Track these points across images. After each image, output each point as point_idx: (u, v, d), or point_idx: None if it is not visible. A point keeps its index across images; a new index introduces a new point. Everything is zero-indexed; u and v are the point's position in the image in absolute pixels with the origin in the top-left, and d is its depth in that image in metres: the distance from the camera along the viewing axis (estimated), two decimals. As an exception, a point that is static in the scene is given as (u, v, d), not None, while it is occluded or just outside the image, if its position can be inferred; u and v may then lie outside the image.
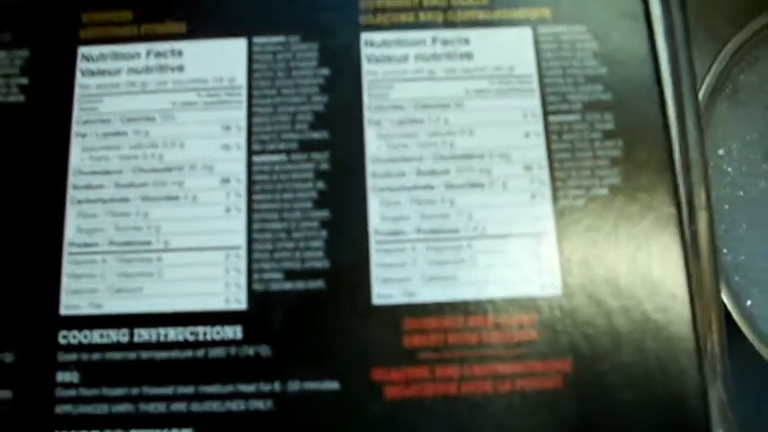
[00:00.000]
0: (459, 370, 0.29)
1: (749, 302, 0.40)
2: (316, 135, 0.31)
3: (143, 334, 0.30)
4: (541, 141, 0.31)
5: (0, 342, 0.30)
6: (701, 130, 0.33)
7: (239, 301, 0.30)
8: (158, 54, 0.32)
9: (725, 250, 0.42)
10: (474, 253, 0.30)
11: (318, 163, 0.31)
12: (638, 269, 0.30)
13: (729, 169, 0.44)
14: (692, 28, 0.38)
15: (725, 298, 0.37)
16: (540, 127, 0.31)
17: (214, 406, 0.29)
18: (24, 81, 0.33)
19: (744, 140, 0.44)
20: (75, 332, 0.30)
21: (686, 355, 0.29)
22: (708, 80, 0.41)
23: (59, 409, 0.29)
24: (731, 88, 0.45)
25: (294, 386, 0.29)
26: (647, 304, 0.30)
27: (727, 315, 0.37)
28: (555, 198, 0.30)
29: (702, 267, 0.31)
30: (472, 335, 0.29)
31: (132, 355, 0.29)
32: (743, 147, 0.44)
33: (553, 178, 0.31)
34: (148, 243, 0.30)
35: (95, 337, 0.30)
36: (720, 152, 0.44)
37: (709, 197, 0.32)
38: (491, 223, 0.30)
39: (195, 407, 0.29)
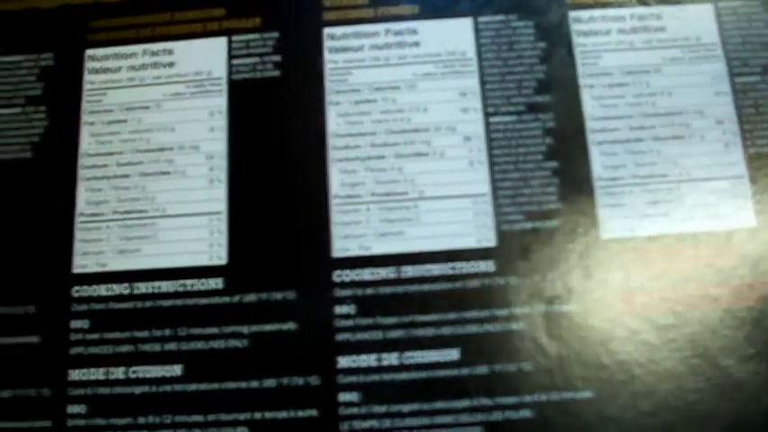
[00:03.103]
0: (678, 291, 0.38)
1: None
2: (540, 98, 0.40)
3: (409, 270, 0.38)
4: (729, 99, 0.40)
5: (281, 283, 0.39)
6: None
7: (489, 240, 0.38)
8: (396, 32, 0.41)
9: None
10: (682, 194, 0.39)
11: (545, 122, 0.40)
12: (819, 203, 0.39)
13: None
14: None
15: None
16: (726, 87, 0.41)
17: (474, 328, 0.38)
18: (277, 59, 0.41)
19: None
20: (347, 271, 0.39)
21: None
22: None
23: (339, 336, 0.38)
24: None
25: (539, 308, 0.38)
26: (830, 231, 0.39)
27: None
28: (745, 147, 0.40)
29: None
30: (685, 263, 0.39)
31: (401, 289, 0.38)
32: None
33: (742, 130, 0.40)
34: (405, 193, 0.39)
35: (366, 274, 0.39)
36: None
37: None
38: (694, 169, 0.39)
39: (459, 330, 0.38)
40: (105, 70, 0.42)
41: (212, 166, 0.40)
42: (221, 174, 0.40)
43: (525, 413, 0.36)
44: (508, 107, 0.40)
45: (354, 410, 0.37)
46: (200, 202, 0.39)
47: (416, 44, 0.40)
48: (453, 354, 0.37)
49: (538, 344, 0.37)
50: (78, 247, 0.40)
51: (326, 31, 0.41)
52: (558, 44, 0.40)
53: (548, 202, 0.39)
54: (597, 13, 0.41)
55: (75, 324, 0.39)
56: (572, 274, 0.38)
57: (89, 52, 0.42)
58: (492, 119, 0.39)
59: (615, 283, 0.37)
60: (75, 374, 0.38)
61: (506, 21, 0.41)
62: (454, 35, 0.41)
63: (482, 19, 0.41)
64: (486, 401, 0.36)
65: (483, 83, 0.40)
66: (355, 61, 0.40)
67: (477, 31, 0.41)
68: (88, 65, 0.42)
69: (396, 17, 0.41)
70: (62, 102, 0.42)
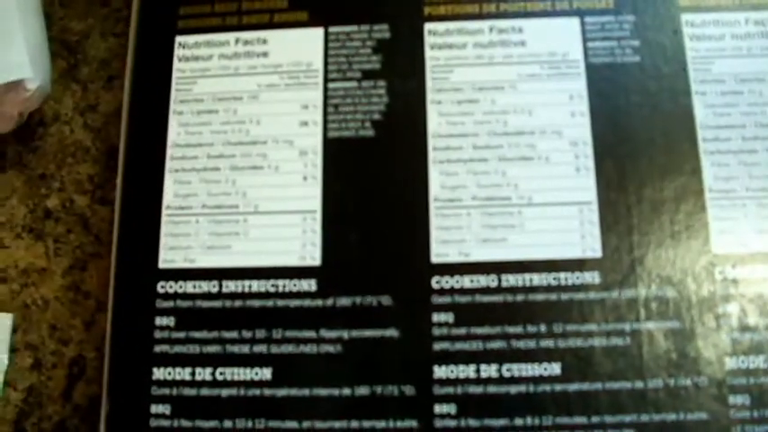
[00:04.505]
0: None
1: None
2: None
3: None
4: None
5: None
6: None
7: None
8: (756, 22, 0.40)
9: None
10: None
11: None
12: None
13: None
14: None
15: None
16: None
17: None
18: (636, 43, 0.39)
19: None
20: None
21: None
22: None
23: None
24: None
25: None
26: None
27: None
28: None
29: None
30: None
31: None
32: None
33: None
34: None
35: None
36: None
37: None
38: None
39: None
40: (449, 46, 0.39)
41: (577, 153, 0.37)
42: (588, 161, 0.37)
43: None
44: None
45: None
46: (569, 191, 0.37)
47: (777, 35, 0.39)
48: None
49: None
50: (437, 234, 0.37)
51: (684, 17, 0.39)
52: None
53: None
54: None
55: (437, 318, 0.36)
56: None
57: (428, 26, 0.39)
58: None
59: None
60: (440, 372, 0.35)
61: None
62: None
63: None
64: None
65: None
66: (717, 50, 0.39)
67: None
68: (429, 40, 0.39)
69: (754, 6, 0.40)
70: (403, 77, 0.39)
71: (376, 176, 0.38)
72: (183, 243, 0.38)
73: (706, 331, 0.36)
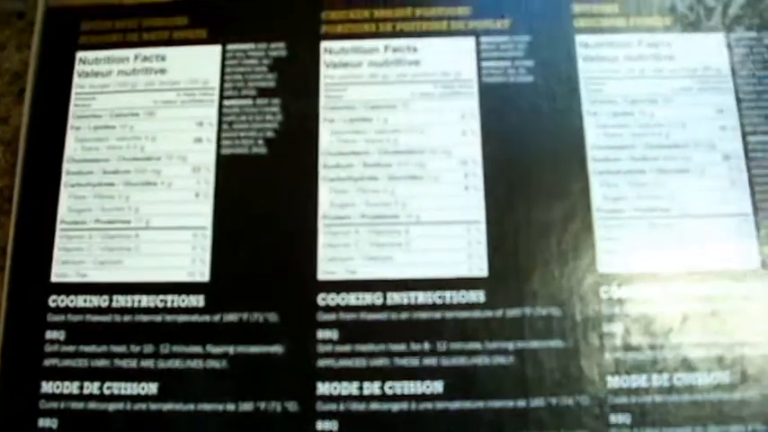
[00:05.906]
0: None
1: None
2: (795, 119, 0.40)
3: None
4: None
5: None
6: None
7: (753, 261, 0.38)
8: (649, 44, 0.41)
9: None
10: None
11: (801, 143, 0.39)
12: None
13: None
14: None
15: None
16: None
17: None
18: (530, 63, 0.40)
19: None
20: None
21: None
22: None
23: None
24: None
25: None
26: None
27: None
28: None
29: None
30: None
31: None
32: None
33: None
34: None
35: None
36: None
37: None
38: None
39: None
40: (344, 64, 0.40)
41: (467, 172, 0.38)
42: (477, 181, 0.38)
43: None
44: (765, 127, 0.39)
45: None
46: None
47: (670, 57, 0.40)
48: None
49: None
50: (324, 252, 0.37)
51: (578, 38, 0.40)
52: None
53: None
54: None
55: (322, 335, 0.36)
56: None
57: (325, 44, 0.40)
58: (751, 138, 0.39)
59: None
60: (323, 388, 0.36)
61: (759, 38, 0.40)
62: (707, 50, 0.40)
63: (733, 36, 0.40)
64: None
65: (738, 101, 0.39)
66: (609, 71, 0.39)
67: (729, 47, 0.40)
68: (325, 58, 0.40)
69: (648, 29, 0.40)
70: (297, 96, 0.39)
71: (267, 194, 0.38)
72: (75, 257, 0.38)
73: (590, 350, 0.36)
